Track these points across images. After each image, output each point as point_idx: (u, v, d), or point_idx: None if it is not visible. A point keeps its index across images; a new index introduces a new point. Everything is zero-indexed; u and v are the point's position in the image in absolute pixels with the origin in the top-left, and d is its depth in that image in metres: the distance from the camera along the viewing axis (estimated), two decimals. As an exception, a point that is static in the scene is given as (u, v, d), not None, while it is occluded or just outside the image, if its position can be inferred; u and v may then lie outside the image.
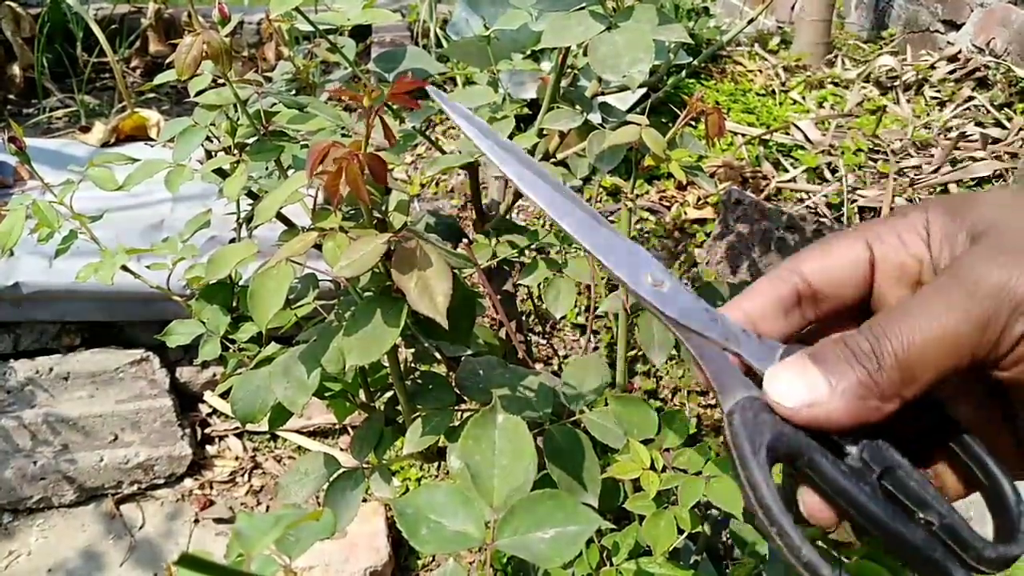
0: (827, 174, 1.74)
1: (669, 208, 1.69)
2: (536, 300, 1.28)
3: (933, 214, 0.33)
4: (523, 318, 1.42)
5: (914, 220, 0.34)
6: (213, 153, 0.88)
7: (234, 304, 0.92)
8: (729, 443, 0.32)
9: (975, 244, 0.31)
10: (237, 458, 1.65)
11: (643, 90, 1.67)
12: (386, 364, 0.75)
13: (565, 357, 1.65)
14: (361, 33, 2.46)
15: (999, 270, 0.29)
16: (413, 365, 0.80)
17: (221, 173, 0.88)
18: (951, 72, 2.14)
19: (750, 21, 1.21)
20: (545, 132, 0.87)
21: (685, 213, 1.66)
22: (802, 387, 0.31)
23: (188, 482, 1.59)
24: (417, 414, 0.73)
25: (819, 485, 0.32)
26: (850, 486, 0.31)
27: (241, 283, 0.93)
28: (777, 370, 0.32)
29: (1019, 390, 0.31)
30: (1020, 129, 1.83)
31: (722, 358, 0.34)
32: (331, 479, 0.76)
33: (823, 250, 0.35)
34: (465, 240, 0.76)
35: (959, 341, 0.29)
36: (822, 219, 1.58)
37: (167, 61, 0.76)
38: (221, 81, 0.80)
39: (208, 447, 1.67)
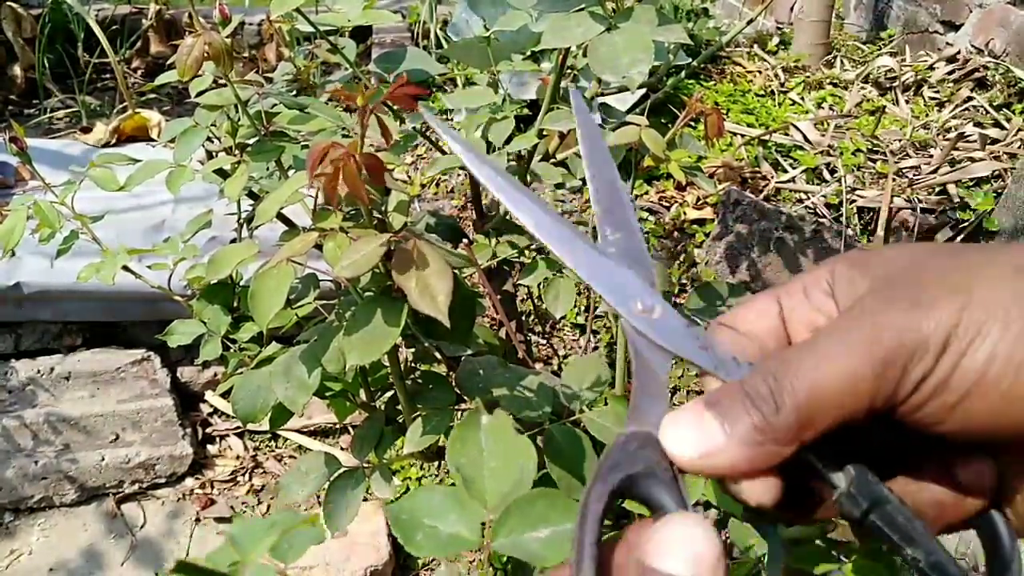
0: (826, 174, 1.74)
1: (668, 208, 1.69)
2: (536, 300, 1.28)
3: (838, 267, 0.33)
4: (523, 318, 1.43)
5: (819, 274, 0.34)
6: (214, 153, 0.88)
7: (235, 304, 0.92)
8: (600, 459, 0.31)
9: (875, 289, 0.31)
10: (238, 457, 1.65)
11: (643, 91, 1.67)
12: (386, 364, 0.75)
13: (565, 357, 1.65)
14: (361, 34, 2.46)
15: (899, 313, 0.29)
16: (413, 365, 0.81)
17: (222, 173, 0.89)
18: (950, 73, 2.14)
19: (749, 22, 1.22)
20: (545, 132, 0.88)
21: (684, 213, 1.67)
22: (696, 435, 0.30)
23: (189, 481, 1.59)
24: (417, 414, 0.73)
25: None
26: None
27: (242, 283, 0.93)
28: (672, 418, 0.32)
29: (927, 431, 0.30)
30: (1019, 129, 1.83)
31: (659, 388, 0.33)
32: (332, 478, 0.76)
33: (745, 305, 0.35)
34: (465, 240, 0.77)
35: (858, 384, 0.29)
36: (821, 219, 1.58)
37: (168, 62, 0.76)
38: (222, 82, 0.80)
39: (209, 446, 1.67)
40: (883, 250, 0.33)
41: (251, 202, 0.96)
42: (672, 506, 0.30)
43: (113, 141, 2.15)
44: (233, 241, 1.19)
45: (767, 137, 1.82)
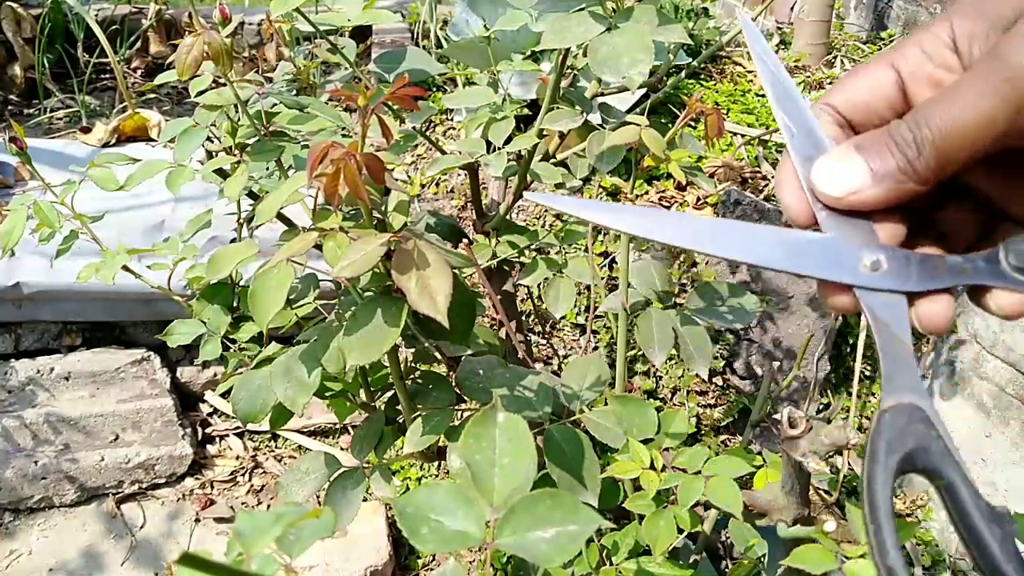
0: (827, 174, 1.74)
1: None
2: (536, 300, 1.28)
3: (956, 19, 0.34)
4: (523, 318, 1.43)
5: (937, 30, 0.35)
6: (214, 153, 0.88)
7: (235, 304, 0.92)
8: (869, 437, 0.33)
9: (1008, 33, 0.32)
10: (238, 457, 1.65)
11: (643, 91, 1.67)
12: (386, 364, 0.75)
13: (565, 357, 1.65)
14: (361, 34, 2.46)
15: None
16: (413, 365, 0.81)
17: (222, 173, 0.89)
18: (951, 72, 2.14)
19: (750, 22, 1.21)
20: (545, 132, 0.88)
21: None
22: (845, 174, 0.34)
23: (189, 481, 1.59)
24: (417, 414, 0.73)
25: (950, 509, 0.32)
26: (981, 527, 0.31)
27: (242, 283, 0.93)
28: (824, 160, 0.35)
29: None
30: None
31: (904, 354, 0.34)
32: (332, 478, 0.76)
33: (849, 81, 0.37)
34: (465, 240, 0.77)
35: (995, 124, 0.31)
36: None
37: (168, 62, 0.76)
38: (222, 82, 0.80)
39: (209, 447, 1.67)
40: None
41: (251, 202, 0.96)
42: (955, 477, 0.31)
43: (113, 141, 2.15)
44: (233, 241, 1.19)
45: (767, 137, 1.82)
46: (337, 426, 1.71)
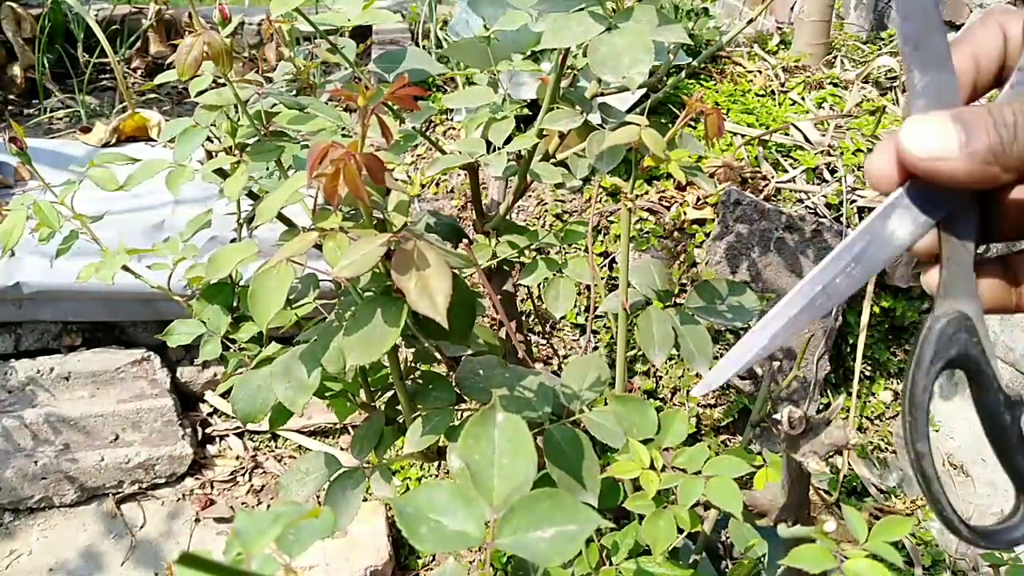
0: (826, 174, 1.74)
1: (669, 208, 1.69)
2: (536, 300, 1.28)
3: None
4: (523, 318, 1.43)
5: None
6: (214, 153, 0.88)
7: (235, 304, 0.92)
8: (918, 343, 0.35)
9: None
10: (238, 457, 1.65)
11: (643, 91, 1.67)
12: (386, 364, 0.75)
13: (565, 357, 1.65)
14: (361, 34, 2.46)
15: None
16: (413, 365, 0.81)
17: (222, 173, 0.89)
18: (951, 72, 2.14)
19: (749, 22, 1.22)
20: (545, 132, 0.88)
21: (684, 213, 1.67)
22: (936, 139, 0.33)
23: (189, 481, 1.59)
24: (417, 414, 0.73)
25: (975, 395, 0.36)
26: (999, 411, 0.36)
27: (242, 283, 0.93)
28: (918, 119, 0.34)
29: None
30: (1019, 129, 1.83)
31: (966, 260, 0.36)
32: (331, 478, 0.76)
33: (974, 30, 0.38)
34: (465, 240, 0.77)
35: None
36: (821, 219, 1.58)
37: (168, 62, 0.76)
38: (222, 82, 0.80)
39: (209, 447, 1.67)
40: None
41: (251, 202, 0.96)
42: (986, 371, 0.36)
43: (113, 141, 2.15)
44: (233, 241, 1.19)
45: (767, 137, 1.82)
46: (337, 426, 1.71)
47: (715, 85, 2.08)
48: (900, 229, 0.36)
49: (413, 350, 0.80)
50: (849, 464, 1.59)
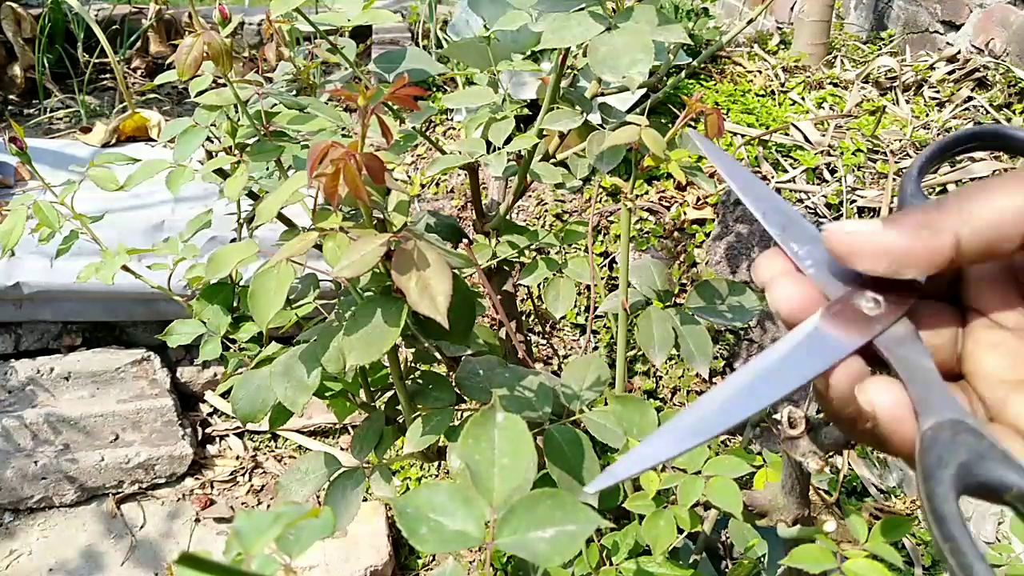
0: (826, 174, 1.74)
1: (669, 208, 1.69)
2: (536, 300, 1.28)
3: None
4: (523, 318, 1.43)
5: None
6: (214, 153, 0.88)
7: (235, 304, 0.92)
8: (917, 458, 0.31)
9: None
10: (238, 457, 1.65)
11: (643, 91, 1.67)
12: (386, 364, 0.75)
13: (565, 357, 1.65)
14: (361, 34, 2.46)
15: None
16: (413, 365, 0.81)
17: (222, 173, 0.89)
18: (950, 73, 2.14)
19: (749, 22, 1.22)
20: (545, 132, 0.88)
21: (684, 213, 1.67)
22: (862, 230, 0.33)
23: (189, 481, 1.59)
24: (417, 414, 0.73)
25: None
26: None
27: (242, 283, 0.93)
28: (844, 221, 0.34)
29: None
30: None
31: (931, 376, 0.33)
32: (331, 478, 0.76)
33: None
34: (465, 240, 0.77)
35: (1016, 223, 0.30)
36: (821, 219, 1.58)
37: (168, 62, 0.76)
38: (222, 82, 0.80)
39: (209, 447, 1.67)
40: None
41: (251, 202, 0.96)
42: (1019, 481, 0.28)
43: (113, 141, 2.15)
44: (233, 241, 1.19)
45: (767, 137, 1.82)
46: (337, 426, 1.71)
47: (715, 85, 2.08)
48: (821, 356, 0.33)
49: (413, 350, 0.80)
50: (849, 464, 1.59)
